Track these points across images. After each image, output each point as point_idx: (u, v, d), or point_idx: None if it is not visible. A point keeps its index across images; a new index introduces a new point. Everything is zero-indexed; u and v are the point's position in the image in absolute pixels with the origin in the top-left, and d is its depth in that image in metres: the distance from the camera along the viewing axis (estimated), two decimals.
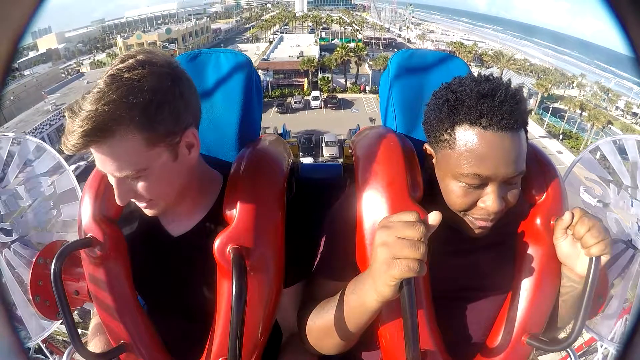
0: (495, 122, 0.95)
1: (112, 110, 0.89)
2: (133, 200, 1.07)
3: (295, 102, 48.43)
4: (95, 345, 1.28)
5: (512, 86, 1.01)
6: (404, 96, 1.39)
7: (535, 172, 1.17)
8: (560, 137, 42.42)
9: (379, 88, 1.59)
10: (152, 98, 0.94)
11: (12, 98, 44.44)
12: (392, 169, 1.11)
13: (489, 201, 1.01)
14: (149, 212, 1.10)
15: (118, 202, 1.03)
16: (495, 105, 0.95)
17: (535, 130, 43.27)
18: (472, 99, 0.97)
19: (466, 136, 0.98)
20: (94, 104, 0.88)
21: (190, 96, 1.05)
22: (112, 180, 1.01)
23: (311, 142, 33.84)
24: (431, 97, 1.10)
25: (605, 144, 1.55)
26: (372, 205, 1.09)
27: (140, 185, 1.02)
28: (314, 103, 48.23)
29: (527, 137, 1.03)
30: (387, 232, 0.87)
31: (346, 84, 54.38)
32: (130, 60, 0.95)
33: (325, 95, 50.54)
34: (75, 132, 0.88)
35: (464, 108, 0.98)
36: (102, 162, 0.96)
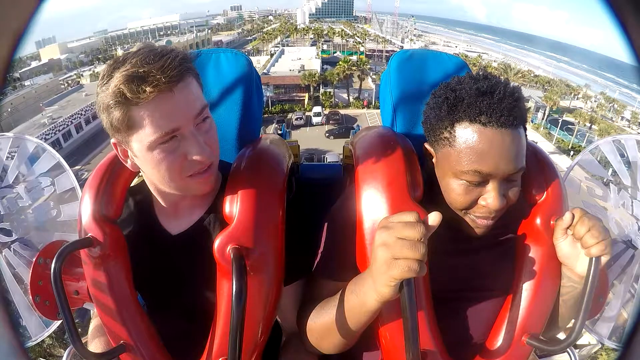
0: (494, 119, 0.96)
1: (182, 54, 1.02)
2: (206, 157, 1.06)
3: (296, 119, 46.75)
4: (95, 345, 1.28)
5: (510, 84, 1.01)
6: (403, 96, 1.40)
7: (535, 172, 1.17)
8: (572, 152, 40.54)
9: (379, 88, 1.60)
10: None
11: (9, 110, 44.24)
12: (392, 169, 1.11)
13: (490, 198, 1.01)
14: (208, 181, 1.10)
15: (202, 156, 1.04)
16: (495, 102, 0.96)
17: (544, 146, 41.60)
18: (472, 97, 0.98)
19: (466, 133, 0.99)
20: (161, 54, 0.98)
21: None
22: (186, 130, 1.01)
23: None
24: (430, 96, 1.11)
25: (605, 144, 1.55)
26: (372, 205, 1.09)
27: (207, 129, 1.07)
28: (315, 119, 46.51)
29: (526, 135, 1.04)
30: (387, 233, 0.87)
31: (349, 99, 53.53)
32: (152, 48, 1.02)
33: (328, 111, 49.23)
34: (172, 62, 0.96)
35: (464, 106, 0.98)
36: (177, 105, 0.99)
